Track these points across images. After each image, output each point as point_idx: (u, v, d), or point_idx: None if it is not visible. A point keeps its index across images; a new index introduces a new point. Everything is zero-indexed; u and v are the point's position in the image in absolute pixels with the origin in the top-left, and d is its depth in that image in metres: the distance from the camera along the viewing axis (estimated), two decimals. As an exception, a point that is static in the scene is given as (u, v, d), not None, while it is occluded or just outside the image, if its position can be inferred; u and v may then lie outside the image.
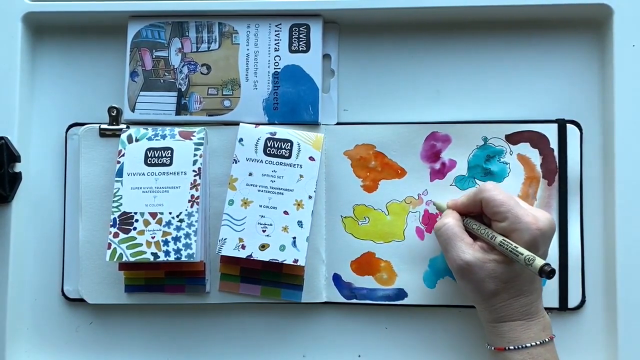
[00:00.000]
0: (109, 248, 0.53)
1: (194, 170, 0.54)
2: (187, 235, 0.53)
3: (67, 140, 0.58)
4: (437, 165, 0.56)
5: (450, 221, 0.51)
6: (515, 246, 0.47)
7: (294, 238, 0.53)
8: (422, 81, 0.57)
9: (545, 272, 0.45)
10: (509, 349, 0.48)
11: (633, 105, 0.54)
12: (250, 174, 0.54)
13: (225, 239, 0.53)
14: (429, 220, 0.56)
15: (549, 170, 0.55)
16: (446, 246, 0.50)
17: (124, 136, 0.55)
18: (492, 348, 0.50)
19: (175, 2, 0.57)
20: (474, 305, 0.51)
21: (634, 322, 0.53)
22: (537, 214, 0.49)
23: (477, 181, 0.56)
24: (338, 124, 0.57)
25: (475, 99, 0.57)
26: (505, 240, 0.48)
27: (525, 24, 0.57)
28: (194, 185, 0.54)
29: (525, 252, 0.46)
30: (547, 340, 0.48)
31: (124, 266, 0.55)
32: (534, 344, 0.48)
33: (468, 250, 0.49)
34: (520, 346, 0.48)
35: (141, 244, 0.53)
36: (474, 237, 0.51)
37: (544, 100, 0.57)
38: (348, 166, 0.56)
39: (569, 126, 0.55)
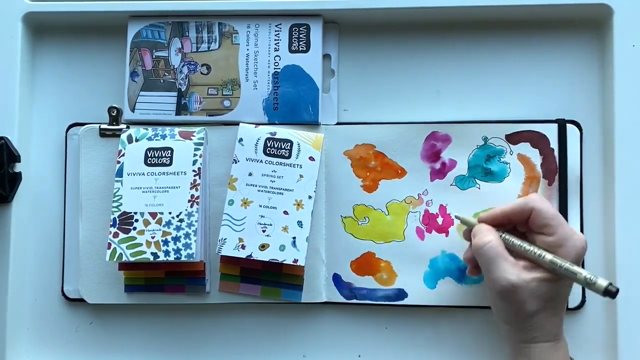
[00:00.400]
0: (108, 248, 0.53)
1: (193, 170, 0.54)
2: (187, 235, 0.53)
3: (67, 140, 0.58)
4: (437, 165, 0.56)
5: (493, 239, 0.48)
6: (569, 264, 0.46)
7: (294, 238, 0.53)
8: (422, 81, 0.57)
9: (611, 293, 0.43)
10: None
11: (633, 105, 0.54)
12: (250, 174, 0.54)
13: (225, 239, 0.53)
14: (429, 220, 0.56)
15: (549, 170, 0.55)
16: (489, 266, 0.48)
17: (124, 136, 0.55)
18: None
19: (175, 2, 0.57)
20: (506, 325, 0.49)
21: (634, 322, 0.53)
22: (576, 231, 0.48)
23: (477, 181, 0.56)
24: (338, 124, 0.57)
25: (475, 99, 0.57)
26: (556, 258, 0.46)
27: (525, 24, 0.57)
28: (193, 185, 0.54)
29: (585, 272, 0.45)
30: None
31: (124, 266, 0.55)
32: None
33: (513, 271, 0.47)
34: None
35: (141, 244, 0.53)
36: (512, 253, 0.49)
37: (544, 100, 0.57)
38: (348, 166, 0.56)
39: (569, 126, 0.55)
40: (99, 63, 0.59)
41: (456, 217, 0.54)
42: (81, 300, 0.57)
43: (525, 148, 0.55)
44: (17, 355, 0.57)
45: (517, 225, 0.50)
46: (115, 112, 0.57)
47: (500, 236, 0.49)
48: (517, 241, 0.49)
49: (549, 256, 0.47)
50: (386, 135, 0.56)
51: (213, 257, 0.56)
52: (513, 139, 0.55)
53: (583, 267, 0.51)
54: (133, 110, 0.57)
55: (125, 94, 0.57)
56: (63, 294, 0.57)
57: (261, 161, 0.55)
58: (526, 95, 0.57)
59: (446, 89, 0.57)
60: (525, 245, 0.48)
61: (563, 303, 0.49)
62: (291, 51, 0.56)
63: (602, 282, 0.44)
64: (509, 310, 0.48)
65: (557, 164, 0.55)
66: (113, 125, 0.57)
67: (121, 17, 0.57)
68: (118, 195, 0.54)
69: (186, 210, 0.53)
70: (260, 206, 0.54)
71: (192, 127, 0.56)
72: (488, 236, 0.49)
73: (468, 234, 0.52)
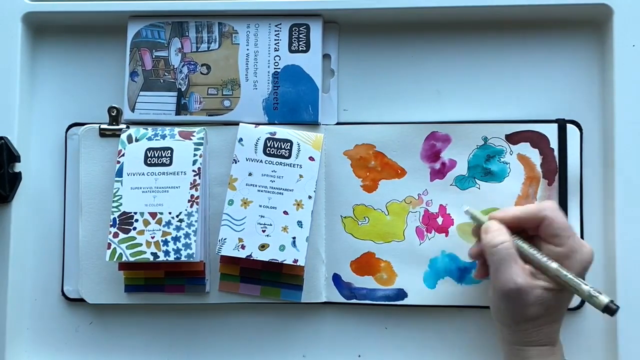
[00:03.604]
0: (108, 248, 0.53)
1: (193, 170, 0.54)
2: (187, 235, 0.53)
3: (67, 140, 0.58)
4: (437, 165, 0.56)
5: (508, 240, 0.48)
6: (573, 276, 0.46)
7: (294, 238, 0.53)
8: (422, 81, 0.57)
9: (611, 310, 0.44)
10: None
11: (633, 105, 0.54)
12: (250, 174, 0.54)
13: (225, 239, 0.53)
14: (429, 220, 0.56)
15: (549, 170, 0.55)
16: (499, 266, 0.48)
17: (123, 136, 0.55)
18: None
19: (175, 2, 0.57)
20: (504, 326, 0.49)
21: (634, 322, 0.53)
22: (584, 243, 0.48)
23: (477, 181, 0.55)
24: (338, 124, 0.57)
25: (475, 99, 0.57)
26: (561, 269, 0.47)
27: (525, 24, 0.57)
28: (193, 185, 0.54)
29: (588, 286, 0.46)
30: None
31: (124, 266, 0.55)
32: None
33: (521, 274, 0.47)
34: None
35: (141, 244, 0.53)
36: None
37: (544, 100, 0.56)
38: (348, 166, 0.56)
39: (569, 126, 0.55)
40: (99, 63, 0.59)
41: (466, 211, 0.52)
42: (81, 300, 0.57)
43: (525, 148, 0.55)
44: (17, 355, 0.57)
45: (527, 229, 0.50)
46: (115, 112, 0.57)
47: (513, 240, 0.49)
48: (526, 246, 0.49)
49: (554, 265, 0.47)
50: (386, 135, 0.56)
51: (213, 257, 0.56)
52: (513, 139, 0.55)
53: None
54: (133, 110, 0.57)
55: (125, 94, 0.57)
56: (63, 294, 0.57)
57: (261, 161, 0.55)
58: (526, 95, 0.57)
59: (446, 89, 0.57)
60: (535, 252, 0.48)
61: (563, 311, 0.49)
62: (291, 51, 0.56)
63: (604, 299, 0.45)
64: (511, 313, 0.48)
65: (557, 164, 0.55)
66: (113, 125, 0.57)
67: (121, 17, 0.57)
68: (118, 195, 0.54)
69: (186, 210, 0.53)
70: (260, 206, 0.54)
71: (192, 127, 0.56)
72: (502, 236, 0.48)
73: (477, 231, 0.51)
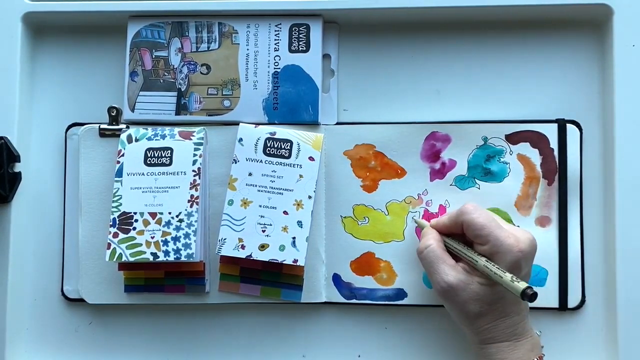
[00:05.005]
0: (108, 248, 0.53)
1: (193, 170, 0.54)
2: (187, 235, 0.53)
3: (67, 140, 0.58)
4: (437, 165, 0.56)
5: (432, 243, 0.50)
6: (497, 268, 0.47)
7: (294, 238, 0.53)
8: (422, 81, 0.57)
9: (527, 295, 0.45)
10: None
11: (633, 105, 0.54)
12: (250, 174, 0.54)
13: (224, 239, 0.53)
14: (429, 220, 0.56)
15: (549, 170, 0.55)
16: (429, 269, 0.50)
17: (123, 136, 0.55)
18: None
19: (175, 2, 0.57)
20: (461, 326, 0.51)
21: (634, 322, 0.53)
22: (518, 235, 0.48)
23: (477, 181, 0.55)
24: (338, 124, 0.57)
25: (475, 99, 0.57)
26: (488, 263, 0.48)
27: (525, 24, 0.57)
28: (193, 185, 0.54)
29: (508, 275, 0.46)
30: None
31: (124, 266, 0.55)
32: None
33: (451, 273, 0.49)
34: None
35: (141, 244, 0.53)
36: (457, 258, 0.50)
37: (544, 100, 0.56)
38: (348, 166, 0.56)
39: (569, 126, 0.55)
40: (99, 63, 0.59)
41: (413, 219, 0.56)
42: (81, 300, 0.57)
43: (525, 148, 0.55)
44: (17, 355, 0.57)
45: (459, 233, 0.51)
46: (115, 112, 0.57)
47: (445, 241, 0.51)
48: (457, 246, 0.51)
49: (481, 261, 0.48)
50: (386, 135, 0.56)
51: (213, 257, 0.56)
52: (513, 139, 0.55)
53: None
54: (133, 110, 0.57)
55: (125, 94, 0.57)
56: (63, 294, 0.57)
57: (261, 161, 0.55)
58: (526, 95, 0.57)
59: (446, 89, 0.57)
60: (464, 250, 0.50)
61: (513, 306, 0.49)
62: (291, 51, 0.56)
63: (521, 285, 0.45)
64: (455, 312, 0.50)
65: (557, 164, 0.55)
66: (113, 125, 0.57)
67: (121, 17, 0.57)
68: (118, 195, 0.54)
69: (186, 210, 0.53)
70: (260, 206, 0.54)
71: (191, 127, 0.56)
72: (429, 240, 0.51)
73: None
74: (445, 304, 0.50)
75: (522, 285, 0.45)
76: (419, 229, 0.55)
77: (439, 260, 0.49)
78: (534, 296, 0.45)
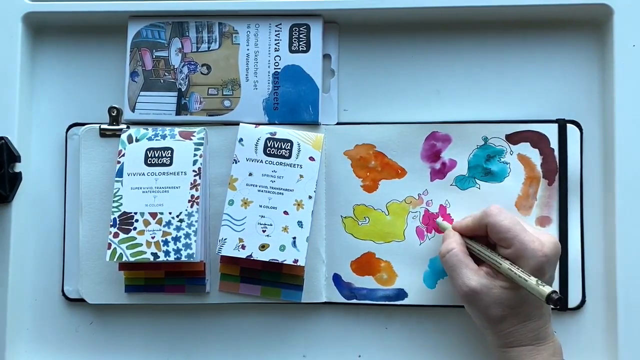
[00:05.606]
0: (109, 248, 0.53)
1: (193, 171, 0.54)
2: (187, 235, 0.53)
3: (67, 140, 0.58)
4: (437, 165, 0.56)
5: (455, 247, 0.50)
6: (522, 272, 0.47)
7: (294, 238, 0.53)
8: (422, 81, 0.57)
9: (553, 300, 0.44)
10: None
11: (633, 105, 0.54)
12: (250, 174, 0.54)
13: (225, 239, 0.53)
14: (429, 220, 0.56)
15: (549, 170, 0.55)
16: (451, 273, 0.50)
17: (124, 136, 0.55)
18: None
19: (175, 2, 0.57)
20: (483, 330, 0.51)
21: (634, 322, 0.53)
22: (543, 239, 0.48)
23: (477, 181, 0.56)
24: (338, 124, 0.57)
25: (475, 99, 0.57)
26: (512, 266, 0.47)
27: (525, 24, 0.57)
28: (193, 185, 0.54)
29: (533, 280, 0.46)
30: None
31: (124, 266, 0.55)
32: None
33: (473, 277, 0.48)
34: None
35: (141, 244, 0.53)
36: (479, 260, 0.50)
37: (544, 100, 0.57)
38: (348, 166, 0.56)
39: (569, 126, 0.55)
40: (99, 63, 0.59)
41: (435, 221, 0.55)
42: (81, 300, 0.57)
43: (525, 148, 0.55)
44: (17, 355, 0.57)
45: (482, 236, 0.51)
46: (115, 112, 0.57)
47: (467, 244, 0.51)
48: (480, 248, 0.50)
49: (505, 264, 0.48)
50: (386, 135, 0.56)
51: (213, 257, 0.56)
52: (513, 139, 0.55)
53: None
54: (133, 110, 0.57)
55: (125, 94, 0.57)
56: (63, 294, 0.57)
57: (261, 161, 0.55)
58: (526, 95, 0.57)
59: (446, 89, 0.57)
60: (487, 253, 0.50)
61: (536, 310, 0.49)
62: (291, 51, 0.56)
63: (547, 289, 0.45)
64: (477, 316, 0.50)
65: (557, 164, 0.55)
66: (113, 125, 0.57)
67: (121, 17, 0.57)
68: (118, 196, 0.54)
69: (186, 210, 0.53)
70: (261, 206, 0.54)
71: (192, 127, 0.56)
72: (452, 244, 0.51)
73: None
74: (467, 307, 0.50)
75: (548, 289, 0.45)
76: (440, 230, 0.55)
77: (461, 264, 0.49)
78: (559, 300, 0.45)
